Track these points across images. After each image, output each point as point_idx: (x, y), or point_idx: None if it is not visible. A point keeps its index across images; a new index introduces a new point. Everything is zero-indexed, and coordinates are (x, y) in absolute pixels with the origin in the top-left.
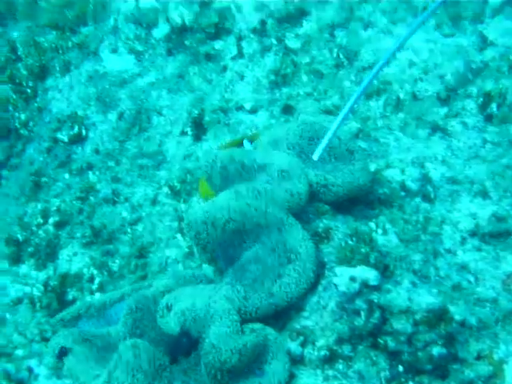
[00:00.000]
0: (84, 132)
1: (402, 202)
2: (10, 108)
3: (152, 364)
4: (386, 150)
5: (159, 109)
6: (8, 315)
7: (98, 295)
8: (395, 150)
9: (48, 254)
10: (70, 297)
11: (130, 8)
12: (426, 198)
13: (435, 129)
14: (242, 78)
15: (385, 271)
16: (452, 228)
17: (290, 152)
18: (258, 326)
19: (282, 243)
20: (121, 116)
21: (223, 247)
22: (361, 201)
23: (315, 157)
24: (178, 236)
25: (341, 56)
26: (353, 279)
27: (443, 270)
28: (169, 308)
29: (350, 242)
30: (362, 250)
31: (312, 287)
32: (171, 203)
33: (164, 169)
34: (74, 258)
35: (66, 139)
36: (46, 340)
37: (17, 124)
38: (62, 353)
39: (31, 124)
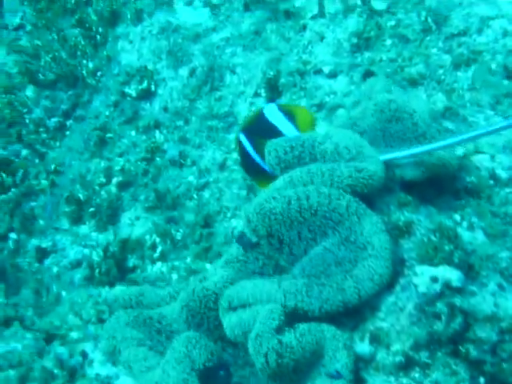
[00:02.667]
0: (153, 87)
1: (491, 192)
2: (78, 54)
3: (207, 362)
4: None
5: (233, 67)
6: (64, 293)
7: (159, 264)
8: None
9: (109, 215)
10: (130, 264)
11: None
12: None
13: None
14: (321, 39)
15: (469, 271)
16: None
17: (364, 136)
18: (307, 325)
19: (353, 236)
20: (192, 72)
21: (283, 241)
22: (447, 189)
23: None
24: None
25: (429, 20)
26: (434, 279)
27: None
28: (230, 306)
29: (433, 238)
30: (446, 248)
31: (389, 286)
32: (240, 170)
33: (234, 132)
34: (136, 222)
35: (133, 94)
36: (102, 322)
37: (84, 72)
38: None
39: (99, 74)
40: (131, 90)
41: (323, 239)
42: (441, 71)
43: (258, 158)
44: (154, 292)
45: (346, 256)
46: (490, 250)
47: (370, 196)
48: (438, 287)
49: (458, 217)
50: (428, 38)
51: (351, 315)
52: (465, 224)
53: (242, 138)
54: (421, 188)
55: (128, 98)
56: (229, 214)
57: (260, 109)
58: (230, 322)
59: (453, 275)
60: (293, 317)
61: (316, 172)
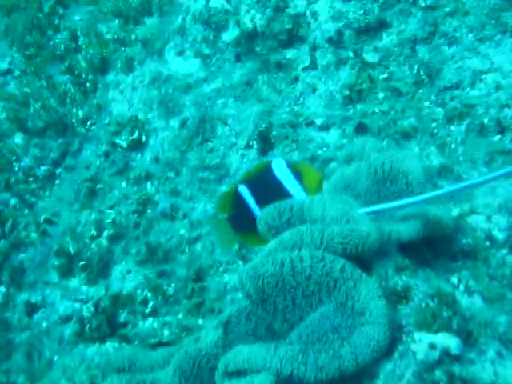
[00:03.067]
0: (144, 138)
1: (487, 254)
2: (68, 101)
3: None
4: (470, 191)
5: (224, 118)
6: (56, 357)
7: (150, 320)
8: (480, 191)
9: (100, 269)
10: (121, 319)
11: (199, 7)
12: None
13: None
14: (313, 90)
15: (468, 338)
16: None
17: (359, 200)
18: None
19: (350, 301)
20: (184, 123)
21: (277, 307)
22: (443, 251)
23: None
24: (238, 262)
25: (421, 73)
26: (432, 346)
27: None
28: (226, 370)
29: (431, 304)
30: (444, 314)
31: (387, 353)
32: None
33: (226, 184)
34: (127, 276)
35: (124, 145)
36: None
37: (74, 120)
38: None
39: (89, 123)
40: (122, 141)
41: (319, 305)
42: (433, 125)
43: (258, 212)
44: (147, 355)
45: (343, 322)
46: (489, 316)
47: (366, 259)
48: (436, 354)
49: (455, 280)
50: (420, 90)
51: (349, 383)
52: (462, 287)
53: (243, 189)
54: (418, 250)
55: (119, 149)
56: (221, 269)
57: (268, 163)
58: None
59: (452, 342)
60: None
61: (306, 231)
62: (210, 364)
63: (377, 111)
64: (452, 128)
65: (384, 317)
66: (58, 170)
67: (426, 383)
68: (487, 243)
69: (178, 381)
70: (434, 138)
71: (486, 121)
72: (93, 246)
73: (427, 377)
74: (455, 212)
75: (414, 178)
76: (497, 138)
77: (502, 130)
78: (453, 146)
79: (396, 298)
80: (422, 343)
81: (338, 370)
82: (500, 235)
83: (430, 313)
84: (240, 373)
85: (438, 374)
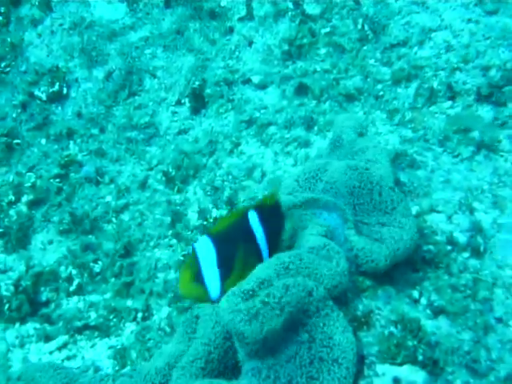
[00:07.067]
0: (65, 90)
1: (449, 260)
2: None
3: None
4: (428, 181)
5: (153, 70)
6: None
7: (75, 299)
8: (437, 181)
9: (19, 238)
10: (43, 298)
11: None
12: (475, 251)
13: (480, 146)
14: (250, 44)
15: (434, 368)
16: (504, 291)
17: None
18: None
19: (321, 337)
20: (109, 75)
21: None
22: (403, 260)
23: None
24: (170, 234)
25: (366, 28)
26: (397, 381)
27: (495, 350)
28: None
29: (395, 332)
30: (409, 344)
31: None
32: (164, 191)
33: (156, 144)
34: (48, 247)
35: (43, 97)
36: None
37: None
38: None
39: (3, 64)
40: (41, 93)
41: (294, 342)
42: (379, 86)
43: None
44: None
45: (311, 359)
46: (455, 340)
47: None
48: None
49: (416, 294)
50: (365, 47)
51: None
52: (424, 301)
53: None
54: None
55: (37, 101)
56: (151, 243)
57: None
58: None
59: (417, 377)
60: None
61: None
62: None
63: (318, 69)
64: (399, 91)
65: (352, 356)
66: None
67: None
68: (448, 247)
69: None
70: (379, 101)
71: (435, 84)
72: (11, 212)
73: None
74: (413, 210)
75: (385, 185)
76: (447, 104)
77: (452, 96)
78: (402, 111)
79: (356, 324)
80: (386, 377)
81: None
82: (462, 237)
83: (394, 342)
84: None
85: None
